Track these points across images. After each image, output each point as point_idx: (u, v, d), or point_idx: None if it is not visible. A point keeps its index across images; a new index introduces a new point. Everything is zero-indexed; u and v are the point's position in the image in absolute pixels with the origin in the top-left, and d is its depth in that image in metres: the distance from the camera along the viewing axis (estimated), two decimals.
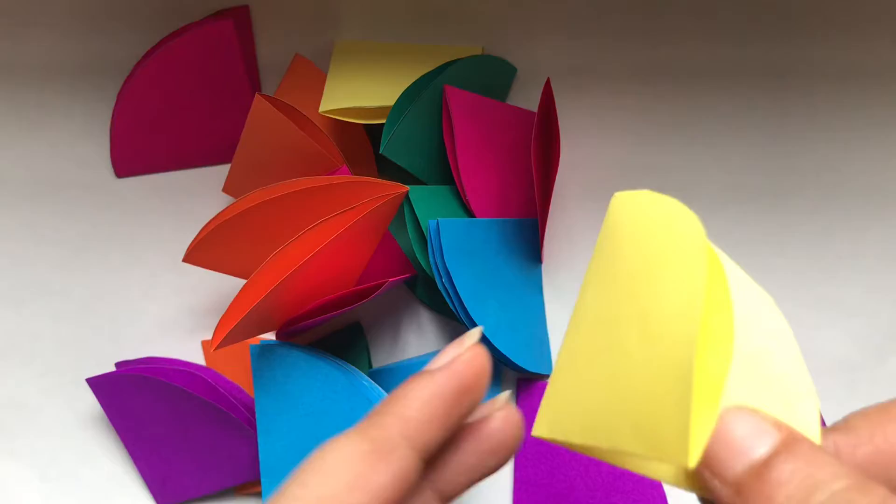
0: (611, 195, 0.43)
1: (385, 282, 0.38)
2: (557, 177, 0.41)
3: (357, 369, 0.38)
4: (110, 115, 0.44)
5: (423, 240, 0.40)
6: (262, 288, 0.36)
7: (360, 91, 0.41)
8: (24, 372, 0.43)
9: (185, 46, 0.42)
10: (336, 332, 0.42)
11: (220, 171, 0.44)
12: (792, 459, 0.17)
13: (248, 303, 0.36)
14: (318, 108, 0.40)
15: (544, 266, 0.42)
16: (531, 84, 0.43)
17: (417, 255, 0.40)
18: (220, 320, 0.37)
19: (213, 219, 0.39)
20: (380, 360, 0.42)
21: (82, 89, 0.44)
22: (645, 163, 0.42)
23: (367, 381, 0.37)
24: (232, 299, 0.37)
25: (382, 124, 0.40)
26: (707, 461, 0.18)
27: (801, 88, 0.43)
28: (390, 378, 0.40)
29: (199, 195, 0.44)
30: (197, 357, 0.43)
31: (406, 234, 0.41)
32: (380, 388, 0.38)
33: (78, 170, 0.44)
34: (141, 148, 0.44)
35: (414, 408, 0.20)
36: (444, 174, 0.41)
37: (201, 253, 0.39)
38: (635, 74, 0.43)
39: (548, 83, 0.39)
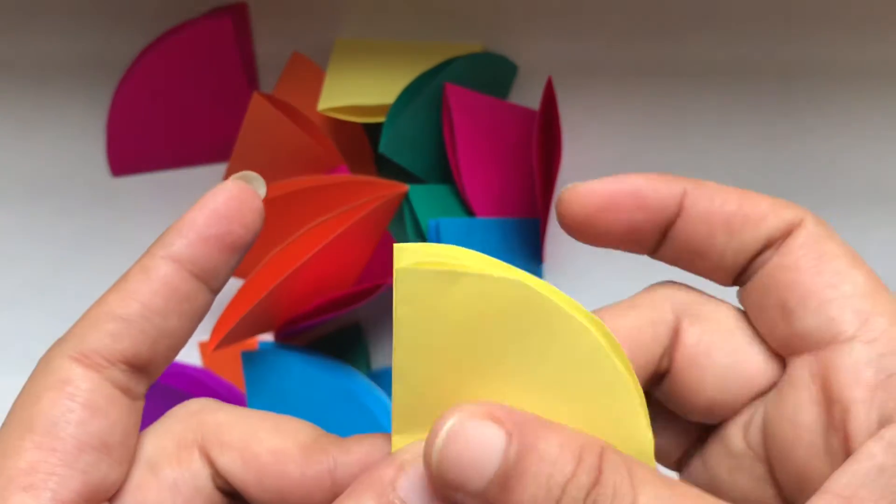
0: None
1: (385, 283, 0.37)
2: (559, 176, 0.41)
3: (356, 371, 0.38)
4: (106, 114, 0.44)
5: (422, 239, 0.39)
6: (260, 288, 0.35)
7: (359, 89, 0.41)
8: (19, 374, 0.43)
9: (182, 44, 0.42)
10: (335, 333, 0.42)
11: (218, 170, 0.44)
12: (524, 462, 0.18)
13: (246, 303, 0.36)
14: (316, 107, 0.40)
15: (545, 266, 0.42)
16: (532, 82, 0.43)
17: None
18: (217, 321, 0.37)
19: None
20: (379, 361, 0.42)
21: (78, 87, 0.44)
22: (647, 162, 0.42)
23: (365, 383, 0.37)
24: (229, 300, 0.37)
25: (382, 123, 0.39)
26: (447, 482, 0.18)
27: (804, 88, 0.42)
28: (390, 380, 0.40)
29: (196, 194, 0.43)
30: (194, 359, 0.42)
31: (406, 234, 0.41)
32: (379, 390, 0.37)
33: (74, 168, 0.44)
34: (137, 146, 0.44)
35: (170, 237, 0.22)
36: (444, 173, 0.41)
37: None
38: (638, 73, 0.43)
39: (549, 81, 0.39)
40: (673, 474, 0.24)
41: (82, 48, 0.44)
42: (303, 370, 0.37)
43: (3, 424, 0.21)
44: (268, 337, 0.41)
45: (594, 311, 0.22)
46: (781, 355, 0.22)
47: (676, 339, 0.23)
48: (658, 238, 0.23)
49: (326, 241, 0.35)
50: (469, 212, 0.40)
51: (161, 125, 0.43)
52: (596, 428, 0.20)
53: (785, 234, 0.22)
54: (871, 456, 0.19)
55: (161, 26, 0.43)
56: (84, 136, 0.44)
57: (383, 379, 0.40)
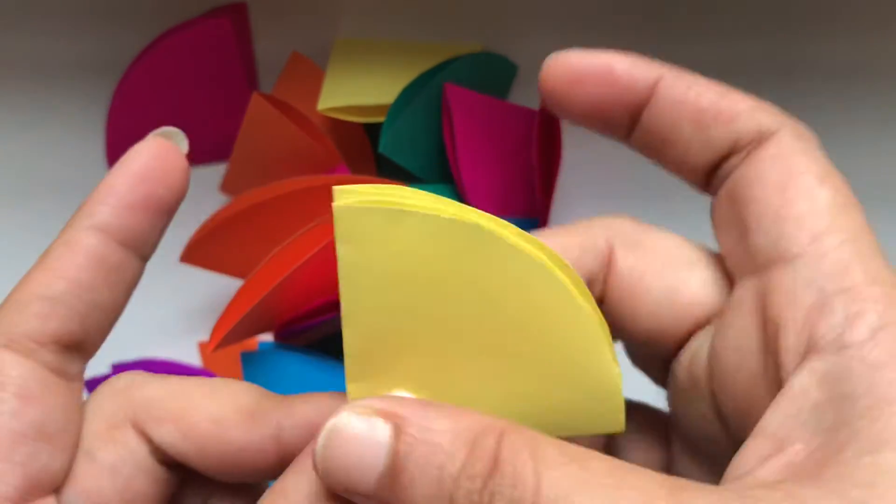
0: (613, 194, 0.43)
1: None
2: (559, 176, 0.41)
3: None
4: (106, 114, 0.44)
5: None
6: (260, 288, 0.35)
7: (358, 89, 0.41)
8: None
9: (181, 44, 0.42)
10: (336, 333, 0.42)
11: (218, 170, 0.44)
12: (413, 455, 0.16)
13: (246, 303, 0.36)
14: (316, 107, 0.40)
15: None
16: (532, 82, 0.42)
17: None
18: (217, 321, 0.37)
19: (211, 218, 0.39)
20: None
21: (77, 87, 0.44)
22: (647, 162, 0.42)
23: None
24: (229, 300, 0.37)
25: (381, 122, 0.39)
26: (336, 485, 0.17)
27: (804, 87, 0.42)
28: None
29: (195, 194, 0.43)
30: (194, 359, 0.42)
31: None
32: None
33: (73, 169, 0.44)
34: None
35: (92, 206, 0.21)
36: (444, 173, 0.41)
37: (198, 252, 0.39)
38: None
39: None
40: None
41: (82, 48, 0.44)
42: (303, 370, 0.37)
43: None
44: (268, 337, 0.41)
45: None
46: (733, 278, 0.21)
47: (609, 266, 0.22)
48: (629, 121, 0.22)
49: (327, 240, 0.35)
50: None
51: (161, 125, 0.43)
52: (558, 365, 0.19)
53: (756, 141, 0.21)
54: (804, 392, 0.17)
55: (161, 26, 0.43)
56: (83, 137, 0.44)
57: None
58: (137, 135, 0.43)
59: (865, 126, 0.42)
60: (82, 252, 0.21)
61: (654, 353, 0.22)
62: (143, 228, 0.21)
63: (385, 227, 0.19)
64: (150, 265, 0.43)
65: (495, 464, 0.16)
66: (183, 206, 0.43)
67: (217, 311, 0.42)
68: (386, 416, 0.17)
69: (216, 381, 0.22)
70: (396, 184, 0.20)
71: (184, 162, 0.22)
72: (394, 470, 0.16)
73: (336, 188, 0.19)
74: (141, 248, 0.22)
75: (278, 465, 0.21)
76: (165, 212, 0.22)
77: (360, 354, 0.20)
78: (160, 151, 0.22)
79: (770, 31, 0.42)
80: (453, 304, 0.19)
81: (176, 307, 0.43)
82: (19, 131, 0.44)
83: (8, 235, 0.44)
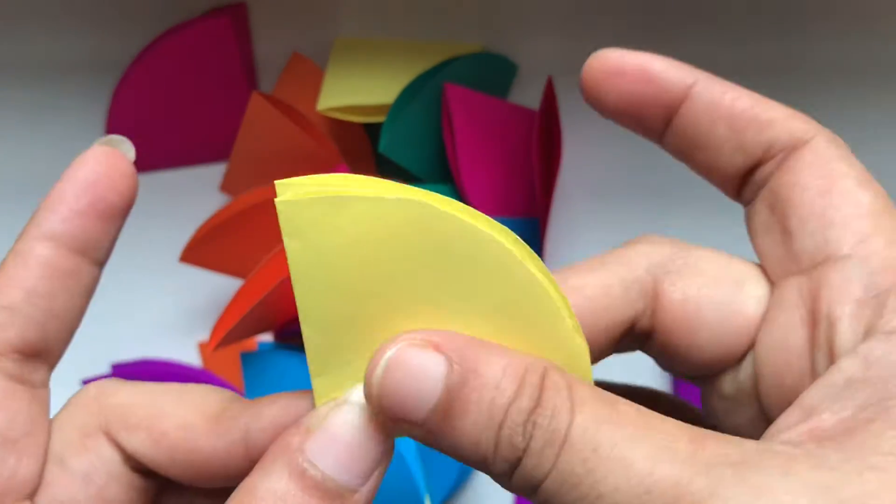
0: (613, 194, 0.43)
1: None
2: (559, 176, 0.41)
3: None
4: (106, 113, 0.44)
5: None
6: (260, 288, 0.35)
7: (358, 89, 0.41)
8: None
9: (181, 44, 0.42)
10: None
11: (218, 170, 0.44)
12: (466, 388, 0.18)
13: (246, 303, 0.36)
14: (316, 107, 0.40)
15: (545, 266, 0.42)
16: (532, 82, 0.43)
17: None
18: (217, 320, 0.37)
19: (211, 218, 0.39)
20: None
21: (78, 87, 0.44)
22: (647, 162, 0.42)
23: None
24: (229, 300, 0.37)
25: (382, 123, 0.39)
26: (390, 413, 0.18)
27: (802, 87, 0.42)
28: None
29: (195, 194, 0.44)
30: (194, 359, 0.42)
31: None
32: None
33: None
34: (137, 146, 0.43)
35: (42, 215, 0.22)
36: (444, 173, 0.41)
37: (198, 252, 0.39)
38: None
39: (549, 81, 0.39)
40: None
41: (82, 48, 0.44)
42: (302, 371, 0.37)
43: None
44: (268, 337, 0.41)
45: (561, 270, 0.22)
46: (773, 281, 0.21)
47: (658, 298, 0.22)
48: (662, 122, 0.22)
49: None
50: None
51: (161, 125, 0.43)
52: (518, 340, 0.19)
53: (791, 147, 0.21)
54: (841, 370, 0.18)
55: (161, 26, 0.43)
56: (84, 136, 0.44)
57: None
58: (137, 135, 0.43)
59: (865, 126, 0.42)
60: (34, 261, 0.21)
61: (705, 374, 0.22)
62: (94, 235, 0.22)
63: (331, 217, 0.18)
64: (149, 265, 0.43)
65: (539, 398, 0.18)
66: (183, 206, 0.44)
67: (217, 311, 0.42)
68: (441, 349, 0.18)
69: (185, 387, 0.22)
70: (383, 178, 0.19)
71: (130, 168, 0.22)
72: (447, 401, 0.18)
73: (278, 182, 0.19)
74: (93, 254, 0.22)
75: (248, 469, 0.21)
76: (115, 217, 0.22)
77: (322, 349, 0.20)
78: (105, 158, 0.22)
79: (771, 31, 0.42)
80: (408, 285, 0.19)
81: (176, 307, 0.43)
82: (19, 131, 0.44)
83: (8, 235, 0.44)
